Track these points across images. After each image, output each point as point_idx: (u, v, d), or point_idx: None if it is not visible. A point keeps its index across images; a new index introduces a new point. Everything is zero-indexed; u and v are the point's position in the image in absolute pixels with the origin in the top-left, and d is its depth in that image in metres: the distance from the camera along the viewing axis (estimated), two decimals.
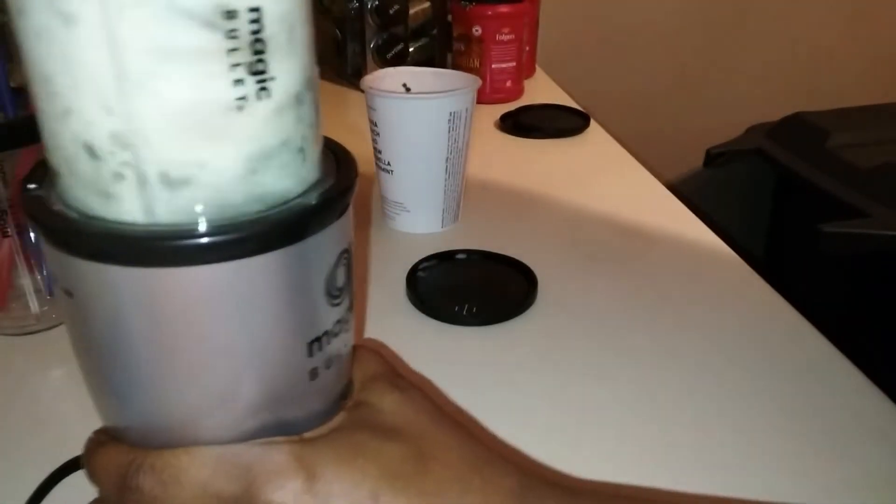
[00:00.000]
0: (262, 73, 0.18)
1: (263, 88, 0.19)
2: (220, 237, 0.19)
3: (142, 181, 0.18)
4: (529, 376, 0.42)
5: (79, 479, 0.30)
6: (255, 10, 0.18)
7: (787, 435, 0.38)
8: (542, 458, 0.36)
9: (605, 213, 0.63)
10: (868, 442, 0.37)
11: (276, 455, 0.21)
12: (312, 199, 0.21)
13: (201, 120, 0.18)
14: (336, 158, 0.23)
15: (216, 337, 0.20)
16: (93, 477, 0.23)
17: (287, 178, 0.20)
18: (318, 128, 0.22)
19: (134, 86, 0.17)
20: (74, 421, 0.38)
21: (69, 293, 0.20)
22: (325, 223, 0.21)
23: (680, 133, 1.51)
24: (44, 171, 0.21)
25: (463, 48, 0.94)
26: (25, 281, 0.44)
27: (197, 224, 0.19)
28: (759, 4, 1.43)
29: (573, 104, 0.93)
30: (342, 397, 0.25)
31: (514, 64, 0.94)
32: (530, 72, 1.08)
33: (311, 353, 0.22)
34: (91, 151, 0.18)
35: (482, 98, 0.89)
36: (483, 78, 0.86)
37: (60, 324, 0.46)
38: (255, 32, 0.18)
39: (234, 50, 0.18)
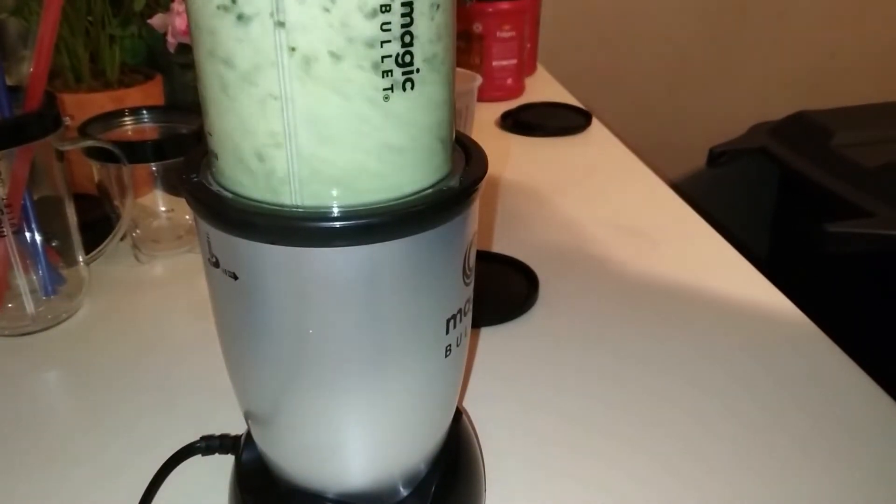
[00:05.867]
0: (408, 65, 0.19)
1: (409, 80, 0.20)
2: (382, 218, 0.20)
3: (293, 159, 0.20)
4: (530, 378, 0.41)
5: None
6: (407, 4, 0.19)
7: (790, 434, 0.37)
8: (541, 460, 0.35)
9: (607, 213, 0.62)
10: (872, 443, 0.37)
11: None
12: (455, 184, 0.22)
13: (352, 108, 0.19)
14: (464, 148, 0.25)
15: (368, 311, 0.22)
16: None
17: (430, 165, 0.22)
18: (453, 119, 0.23)
19: (295, 70, 0.19)
20: (69, 421, 0.38)
21: (234, 276, 0.22)
22: (467, 206, 0.23)
23: (683, 132, 1.50)
24: (197, 162, 0.23)
25: (463, 45, 0.93)
26: (21, 282, 0.44)
27: (353, 207, 0.20)
28: (763, 2, 1.42)
29: (575, 102, 0.93)
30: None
31: (515, 61, 0.94)
32: (531, 69, 1.08)
33: (447, 331, 0.24)
34: (254, 149, 0.20)
35: (483, 96, 0.88)
36: (484, 75, 0.85)
37: (56, 324, 0.45)
38: (406, 26, 0.19)
39: (385, 42, 0.19)
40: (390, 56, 0.19)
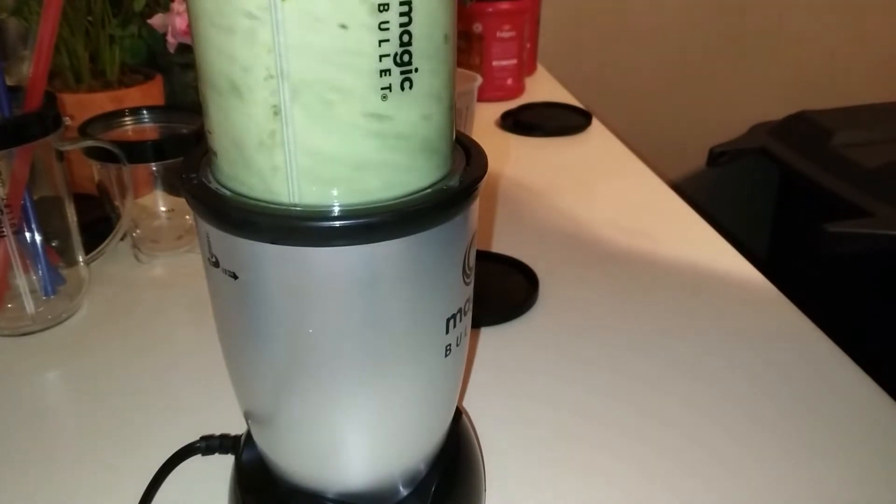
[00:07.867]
0: (407, 64, 0.19)
1: (407, 79, 0.20)
2: (382, 218, 0.20)
3: (292, 158, 0.20)
4: (531, 378, 0.41)
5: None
6: (405, 3, 0.19)
7: (789, 434, 0.37)
8: (541, 459, 0.35)
9: (607, 213, 0.62)
10: (872, 442, 0.37)
11: None
12: (455, 183, 0.22)
13: (348, 108, 0.19)
14: (464, 148, 0.25)
15: (368, 310, 0.22)
16: None
17: (430, 164, 0.22)
18: (453, 119, 0.23)
19: (291, 70, 0.19)
20: (69, 421, 0.38)
21: (234, 275, 0.22)
22: (467, 206, 0.23)
23: (683, 132, 1.50)
24: (196, 162, 0.23)
25: (463, 45, 0.93)
26: (21, 282, 0.44)
27: (352, 206, 0.20)
28: (763, 2, 1.42)
29: (575, 102, 0.93)
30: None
31: (514, 61, 0.94)
32: (531, 69, 1.08)
33: (447, 330, 0.24)
34: (256, 142, 0.20)
35: (483, 96, 0.89)
36: (484, 76, 0.85)
37: (56, 324, 0.45)
38: (404, 25, 0.19)
39: (383, 41, 0.19)
40: (388, 55, 0.19)
